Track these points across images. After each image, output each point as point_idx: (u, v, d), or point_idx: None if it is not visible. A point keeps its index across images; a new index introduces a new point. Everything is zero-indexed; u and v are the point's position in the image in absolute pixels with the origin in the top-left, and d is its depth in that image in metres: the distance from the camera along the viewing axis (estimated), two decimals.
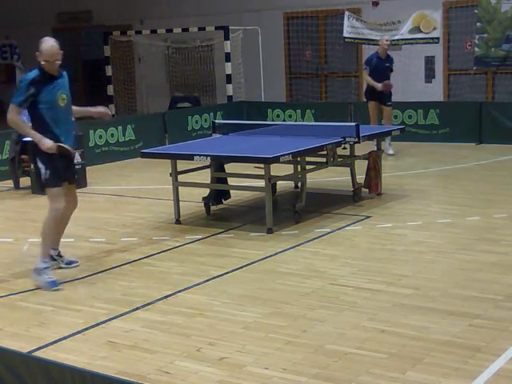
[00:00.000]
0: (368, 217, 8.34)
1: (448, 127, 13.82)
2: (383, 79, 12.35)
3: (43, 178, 6.50)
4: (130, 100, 18.60)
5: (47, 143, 6.29)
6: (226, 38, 15.79)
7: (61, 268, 6.83)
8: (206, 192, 8.94)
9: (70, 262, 6.92)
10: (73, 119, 6.89)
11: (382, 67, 12.46)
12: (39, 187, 6.79)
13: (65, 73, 6.61)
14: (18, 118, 6.38)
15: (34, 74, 6.36)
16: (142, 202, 9.68)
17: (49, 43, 6.33)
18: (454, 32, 15.50)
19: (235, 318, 5.42)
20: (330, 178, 10.28)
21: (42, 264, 6.38)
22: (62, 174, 6.50)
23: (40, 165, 6.46)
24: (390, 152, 12.34)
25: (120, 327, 5.34)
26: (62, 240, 7.10)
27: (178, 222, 8.41)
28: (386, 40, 12.70)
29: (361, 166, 9.30)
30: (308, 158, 8.70)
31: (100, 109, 7.07)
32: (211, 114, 15.07)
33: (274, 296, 5.88)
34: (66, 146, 6.40)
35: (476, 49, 15.01)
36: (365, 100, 13.01)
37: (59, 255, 6.88)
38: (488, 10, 14.73)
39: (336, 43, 16.64)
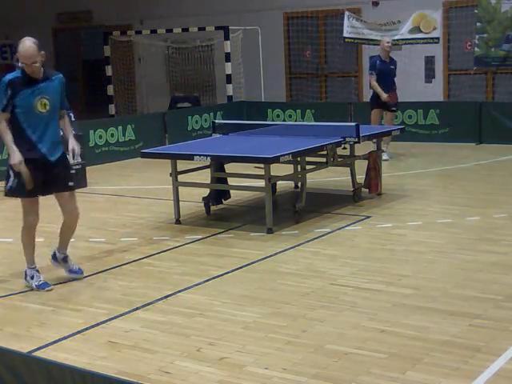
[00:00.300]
0: (368, 217, 8.34)
1: (448, 127, 13.82)
2: (389, 84, 11.80)
3: (8, 186, 6.21)
4: (130, 100, 18.59)
5: (15, 159, 6.00)
6: (226, 38, 15.78)
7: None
8: (206, 192, 8.94)
9: (71, 271, 6.64)
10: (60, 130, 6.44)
11: (386, 71, 11.85)
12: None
13: (56, 77, 6.24)
14: (1, 125, 6.07)
15: (12, 75, 6.05)
16: (142, 202, 9.68)
17: (25, 44, 5.98)
18: (453, 32, 15.50)
19: (235, 318, 5.42)
20: (330, 178, 10.28)
21: (28, 271, 6.42)
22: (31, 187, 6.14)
23: (10, 172, 6.15)
24: (385, 157, 11.56)
25: (120, 327, 5.34)
26: None
27: (178, 222, 8.41)
28: (387, 42, 12.13)
29: (361, 166, 9.30)
30: (308, 158, 8.70)
31: (73, 146, 6.39)
32: (211, 114, 15.07)
33: (274, 296, 5.88)
34: (24, 174, 6.01)
35: (476, 49, 15.01)
36: (370, 106, 12.26)
37: (64, 260, 6.67)
38: (488, 9, 14.73)
39: (336, 43, 16.64)
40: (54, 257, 6.75)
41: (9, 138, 6.07)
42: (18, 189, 6.18)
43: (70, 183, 6.47)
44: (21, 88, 6.00)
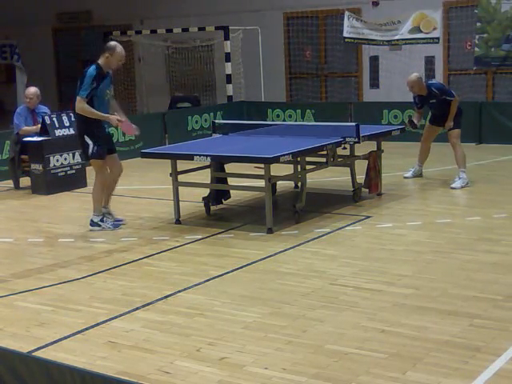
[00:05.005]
0: (368, 217, 8.34)
1: None
2: (436, 118, 10.21)
3: (90, 152, 7.92)
4: (130, 100, 18.59)
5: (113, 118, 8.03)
6: (226, 38, 15.78)
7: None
8: (206, 192, 8.94)
9: (116, 221, 8.28)
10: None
11: (427, 105, 10.19)
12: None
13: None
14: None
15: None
16: (142, 202, 9.68)
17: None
18: (453, 32, 15.49)
19: (235, 318, 5.42)
20: (330, 177, 10.28)
21: (95, 217, 8.12)
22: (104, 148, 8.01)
23: (89, 141, 7.92)
24: (456, 186, 9.78)
25: (120, 327, 5.34)
26: (62, 240, 7.13)
27: (178, 221, 8.41)
28: (409, 81, 10.08)
29: (361, 166, 9.30)
30: (308, 158, 8.70)
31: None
32: (211, 114, 15.06)
33: (274, 296, 5.88)
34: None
35: (476, 49, 15.00)
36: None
37: (109, 213, 8.28)
38: (488, 9, 14.73)
39: (336, 43, 16.64)
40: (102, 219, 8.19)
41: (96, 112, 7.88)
42: (98, 152, 7.93)
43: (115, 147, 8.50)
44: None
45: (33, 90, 10.91)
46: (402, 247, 7.15)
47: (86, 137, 7.95)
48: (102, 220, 8.17)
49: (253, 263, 6.78)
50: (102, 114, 7.89)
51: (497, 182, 10.21)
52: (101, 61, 7.94)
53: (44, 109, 10.95)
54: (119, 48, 7.92)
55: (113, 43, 8.06)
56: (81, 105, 7.83)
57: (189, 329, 5.25)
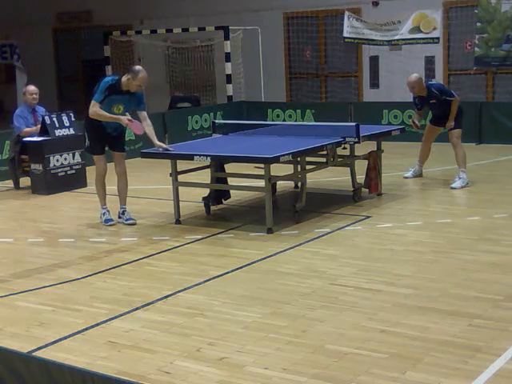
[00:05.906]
0: (368, 217, 8.34)
1: None
2: (438, 118, 10.29)
3: (86, 146, 8.52)
4: None
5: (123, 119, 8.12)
6: (226, 38, 15.77)
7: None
8: (206, 192, 8.94)
9: (128, 219, 8.47)
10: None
11: (428, 106, 10.29)
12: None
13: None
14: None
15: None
16: (142, 202, 9.68)
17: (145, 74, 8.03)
18: (453, 32, 15.49)
19: (235, 318, 5.42)
20: (330, 177, 10.28)
21: (101, 210, 8.52)
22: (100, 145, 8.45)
23: (87, 136, 8.42)
24: (456, 185, 9.74)
25: (120, 327, 5.34)
26: (62, 240, 7.12)
27: (178, 222, 8.41)
28: (410, 79, 10.12)
29: (361, 166, 9.30)
30: (308, 158, 8.69)
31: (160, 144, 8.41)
32: (211, 114, 15.06)
33: (274, 296, 5.88)
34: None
35: (476, 49, 15.01)
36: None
37: (122, 213, 8.50)
38: (488, 10, 14.73)
39: (336, 43, 16.64)
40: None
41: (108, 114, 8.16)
42: (90, 147, 8.46)
43: (123, 148, 8.67)
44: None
45: (34, 87, 10.91)
46: (402, 247, 7.15)
47: (85, 133, 8.49)
48: (103, 213, 8.49)
49: (253, 263, 6.78)
50: (113, 116, 8.08)
51: (497, 181, 10.21)
52: (123, 78, 8.06)
53: (42, 109, 10.96)
54: (142, 74, 7.97)
55: (138, 68, 8.10)
56: (93, 108, 8.04)
57: (189, 329, 5.26)
